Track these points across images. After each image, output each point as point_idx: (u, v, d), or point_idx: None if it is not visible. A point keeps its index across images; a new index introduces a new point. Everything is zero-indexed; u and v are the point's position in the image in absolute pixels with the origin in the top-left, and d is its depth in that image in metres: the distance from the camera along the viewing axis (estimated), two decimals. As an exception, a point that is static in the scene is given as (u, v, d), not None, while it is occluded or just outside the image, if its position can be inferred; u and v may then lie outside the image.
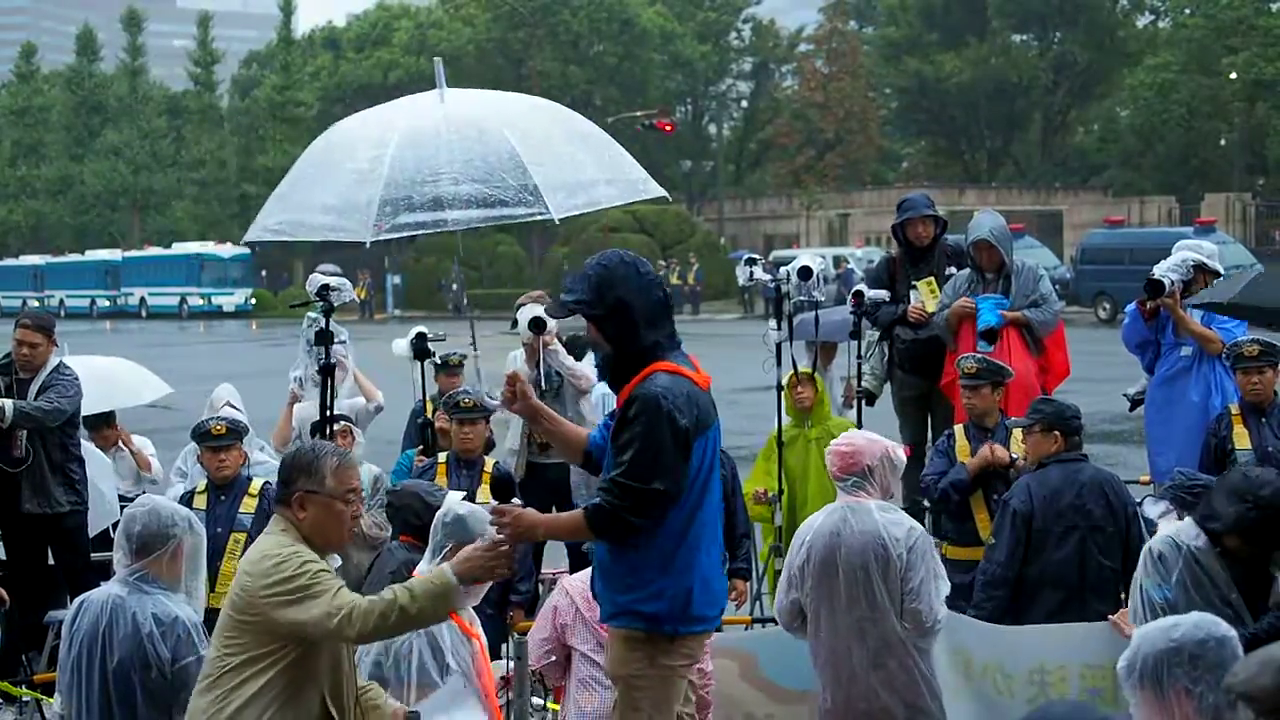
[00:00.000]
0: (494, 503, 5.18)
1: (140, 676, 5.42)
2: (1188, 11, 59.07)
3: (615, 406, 5.30)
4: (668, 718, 5.28)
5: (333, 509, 4.95)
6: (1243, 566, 5.81)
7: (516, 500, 5.28)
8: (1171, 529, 5.97)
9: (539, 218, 6.51)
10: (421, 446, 9.38)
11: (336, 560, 8.57)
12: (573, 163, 6.80)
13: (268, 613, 4.78)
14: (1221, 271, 9.91)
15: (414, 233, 6.55)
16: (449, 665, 5.38)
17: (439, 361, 10.31)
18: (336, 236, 6.68)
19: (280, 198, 7.13)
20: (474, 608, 7.97)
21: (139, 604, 5.48)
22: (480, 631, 5.76)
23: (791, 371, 9.43)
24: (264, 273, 67.06)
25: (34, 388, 8.73)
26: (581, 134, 7.02)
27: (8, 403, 8.49)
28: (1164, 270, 9.42)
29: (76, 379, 8.90)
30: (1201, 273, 9.60)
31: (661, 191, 7.10)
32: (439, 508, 7.35)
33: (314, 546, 4.95)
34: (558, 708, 6.74)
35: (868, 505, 6.22)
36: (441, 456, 8.64)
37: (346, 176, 6.78)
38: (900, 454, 6.39)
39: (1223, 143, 59.95)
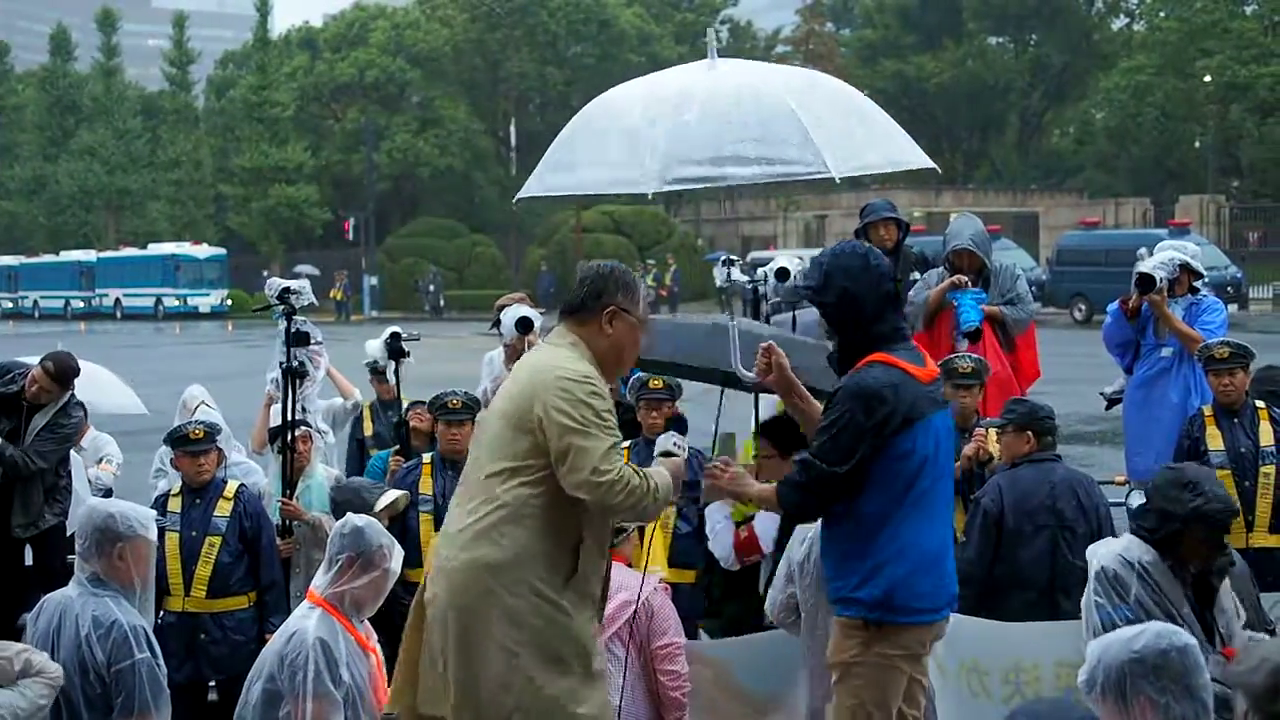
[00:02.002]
0: (674, 436, 5.28)
1: (80, 680, 5.40)
2: (1162, 14, 59.31)
3: None
4: (884, 711, 5.26)
5: (635, 335, 5.10)
6: (1190, 578, 5.76)
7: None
8: (1119, 545, 5.89)
9: (819, 176, 6.48)
10: (398, 447, 9.37)
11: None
12: (847, 126, 6.80)
13: (544, 426, 4.83)
14: (1204, 272, 9.98)
15: (696, 186, 6.52)
16: (341, 678, 5.32)
17: (368, 365, 10.39)
18: (615, 190, 6.64)
19: (550, 163, 7.06)
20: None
21: (84, 607, 5.47)
22: (377, 646, 5.67)
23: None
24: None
25: (40, 419, 8.87)
26: (854, 100, 7.10)
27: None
28: (1151, 267, 9.49)
29: (79, 420, 9.13)
30: (1186, 272, 9.66)
31: (930, 163, 7.31)
32: (373, 504, 7.42)
33: (602, 369, 5.01)
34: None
35: None
36: (426, 457, 8.62)
37: (621, 135, 6.72)
38: None
39: (1197, 145, 60.23)
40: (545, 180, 7.08)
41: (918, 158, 7.11)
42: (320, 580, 5.55)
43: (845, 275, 5.31)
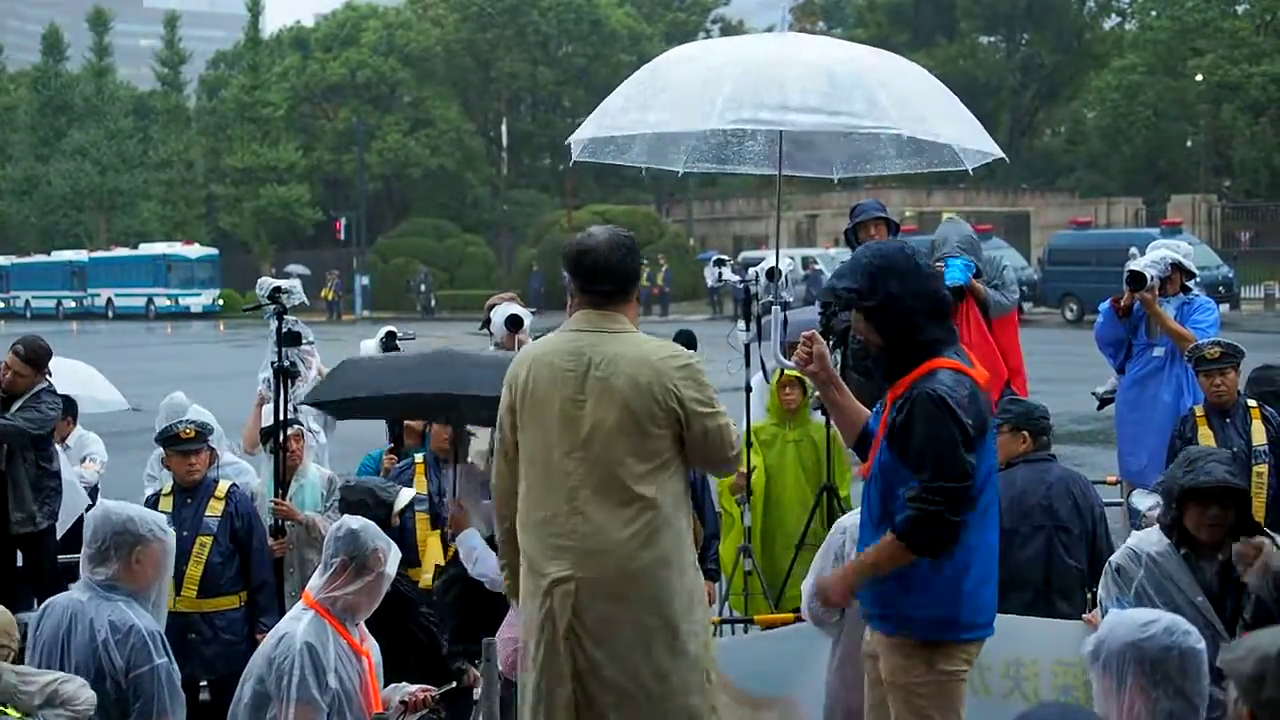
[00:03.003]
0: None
1: (96, 685, 5.33)
2: (1154, 14, 59.36)
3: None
4: None
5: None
6: (1216, 567, 5.77)
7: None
8: (1135, 538, 5.95)
9: (883, 130, 6.30)
10: (391, 445, 9.36)
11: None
12: (915, 93, 6.69)
13: (682, 416, 4.98)
14: (1195, 272, 9.99)
15: (754, 126, 6.33)
16: (328, 684, 5.30)
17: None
18: (667, 128, 6.51)
19: (602, 110, 6.94)
20: (432, 603, 7.99)
21: (97, 611, 5.40)
22: (371, 649, 5.62)
23: (780, 372, 9.40)
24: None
25: (14, 408, 8.86)
26: (926, 78, 7.01)
27: None
28: (1142, 265, 9.50)
29: (57, 404, 9.05)
30: (1178, 271, 9.67)
31: (998, 152, 7.19)
32: (392, 503, 7.38)
33: None
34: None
35: None
36: (418, 456, 8.61)
37: (681, 81, 6.58)
38: None
39: (1189, 144, 60.30)
40: (606, 122, 6.93)
41: (989, 145, 6.94)
42: (315, 582, 5.52)
43: (893, 277, 5.06)
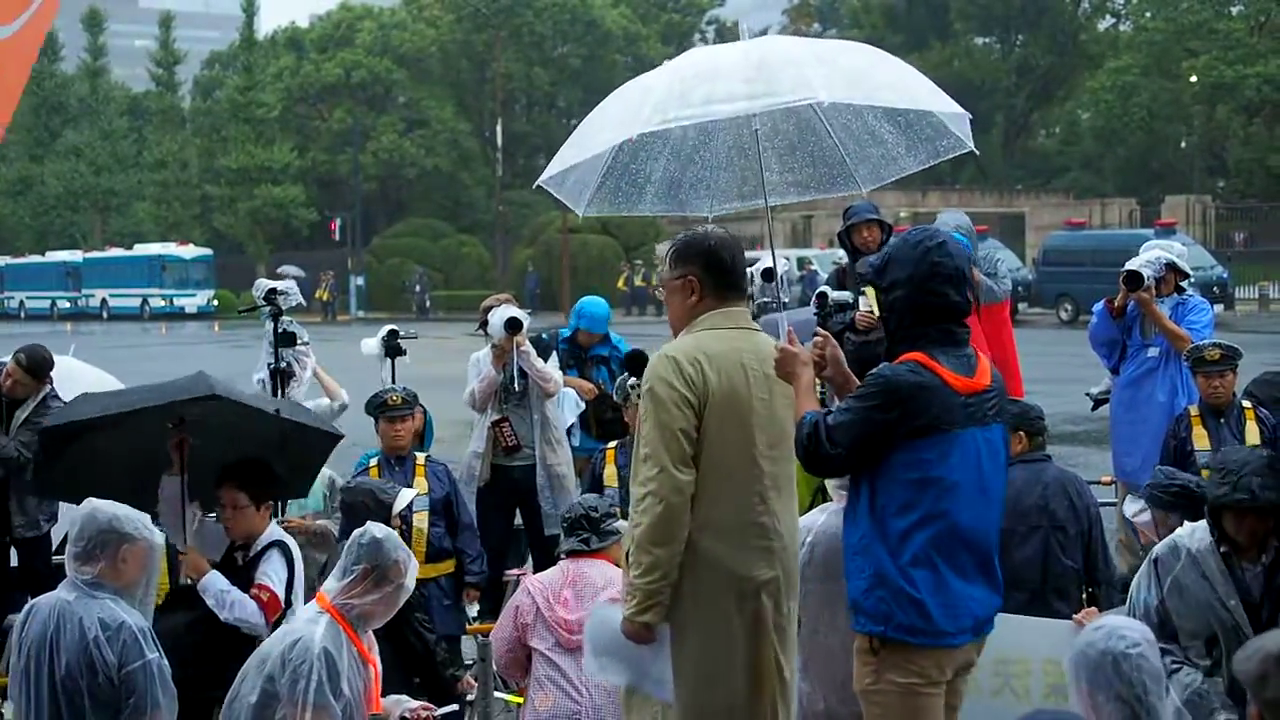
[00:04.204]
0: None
1: (88, 682, 5.34)
2: (1148, 15, 59.42)
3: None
4: None
5: None
6: (1257, 571, 5.69)
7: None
8: (1185, 529, 5.88)
9: (808, 101, 5.95)
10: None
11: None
12: (861, 68, 6.24)
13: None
14: (1190, 272, 10.00)
15: (685, 123, 6.26)
16: (342, 690, 5.27)
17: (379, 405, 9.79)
18: (612, 142, 6.45)
19: (568, 144, 6.90)
20: (432, 597, 7.99)
21: (86, 609, 5.40)
22: (377, 658, 5.61)
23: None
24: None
25: (20, 414, 8.92)
26: (883, 57, 6.54)
27: None
28: (1138, 265, 9.51)
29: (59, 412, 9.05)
30: (1173, 272, 9.69)
31: (957, 108, 6.52)
32: (391, 504, 7.37)
33: None
34: (521, 700, 6.75)
35: None
36: (371, 460, 8.62)
37: (623, 100, 6.39)
38: None
39: (1183, 145, 60.38)
40: (558, 163, 6.92)
41: (948, 106, 6.44)
42: (332, 585, 5.46)
43: (903, 267, 5.07)
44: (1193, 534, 5.80)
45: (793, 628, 5.34)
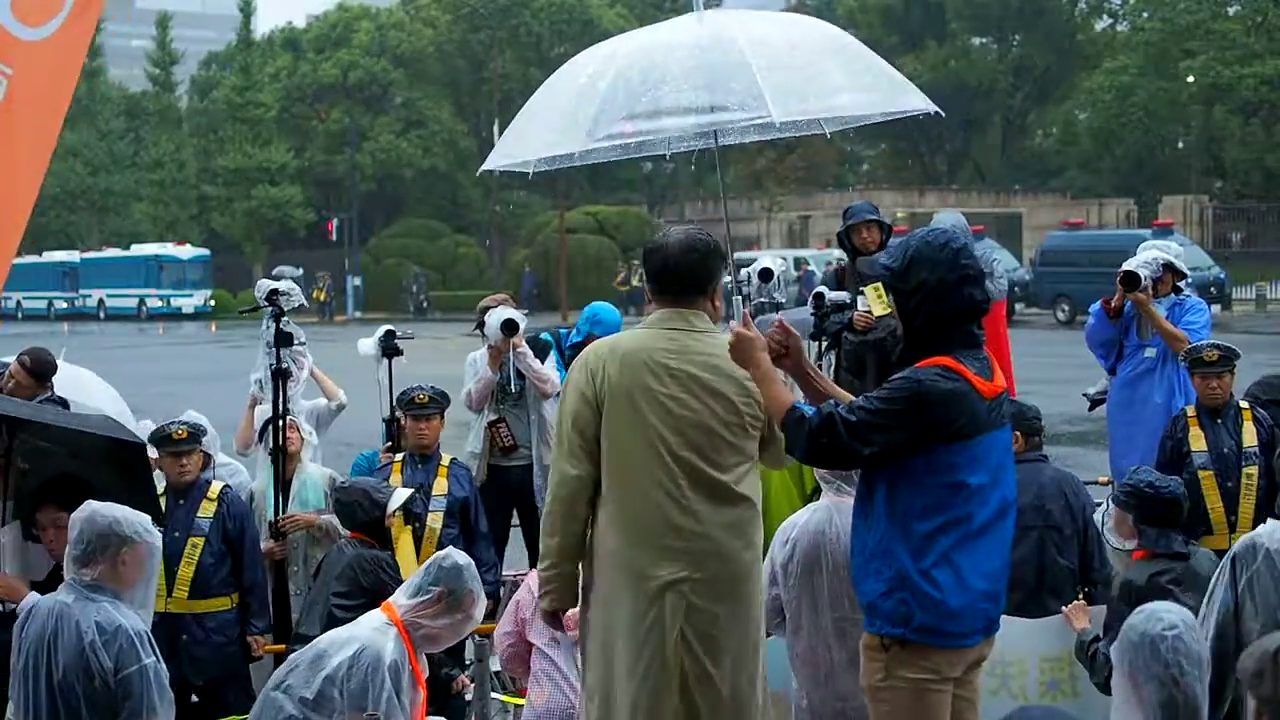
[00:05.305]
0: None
1: (83, 686, 5.34)
2: (1145, 15, 59.38)
3: None
4: None
5: None
6: None
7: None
8: (1263, 529, 5.69)
9: (758, 121, 5.88)
10: (390, 444, 9.37)
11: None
12: (812, 70, 6.13)
13: (763, 415, 5.19)
14: (1187, 273, 10.01)
15: (628, 141, 6.08)
16: (404, 705, 5.24)
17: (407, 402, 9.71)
18: (554, 152, 6.33)
19: (512, 130, 6.75)
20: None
21: (83, 612, 5.40)
22: (425, 685, 5.54)
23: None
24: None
25: None
26: (836, 47, 6.39)
27: None
28: (1135, 265, 9.52)
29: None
30: (1170, 272, 9.70)
31: (927, 106, 6.33)
32: (386, 504, 7.39)
33: None
34: (520, 701, 6.76)
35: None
36: (398, 455, 8.67)
37: (570, 94, 6.31)
38: None
39: (1180, 146, 60.39)
40: (502, 150, 6.79)
41: (909, 100, 6.31)
42: (403, 601, 5.36)
43: (929, 267, 4.94)
44: (1273, 533, 5.63)
45: (725, 629, 5.16)
